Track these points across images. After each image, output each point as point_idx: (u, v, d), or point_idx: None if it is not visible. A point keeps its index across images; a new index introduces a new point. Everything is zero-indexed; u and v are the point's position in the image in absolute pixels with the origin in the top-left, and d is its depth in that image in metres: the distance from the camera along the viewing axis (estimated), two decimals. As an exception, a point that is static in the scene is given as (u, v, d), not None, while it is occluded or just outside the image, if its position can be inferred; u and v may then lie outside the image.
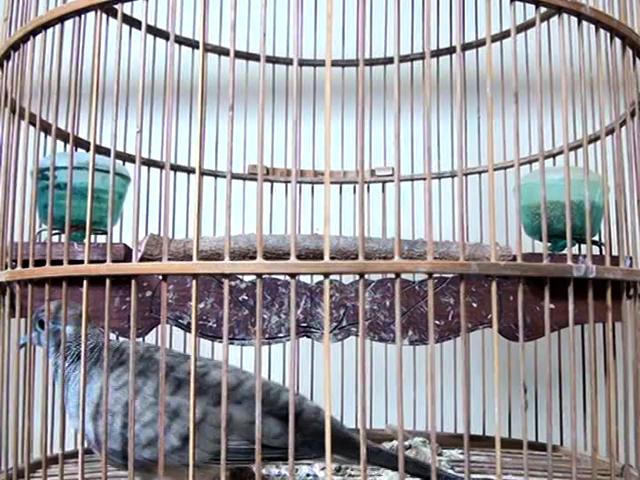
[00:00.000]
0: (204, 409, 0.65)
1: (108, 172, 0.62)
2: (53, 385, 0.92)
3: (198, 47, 0.58)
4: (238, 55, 1.10)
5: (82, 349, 0.61)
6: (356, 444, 0.57)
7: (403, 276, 0.57)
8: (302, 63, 1.16)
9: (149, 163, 1.07)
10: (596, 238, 0.92)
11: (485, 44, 0.60)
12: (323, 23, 0.57)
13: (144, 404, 0.66)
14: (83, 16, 0.65)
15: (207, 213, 1.09)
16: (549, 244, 0.89)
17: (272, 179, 1.14)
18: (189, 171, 1.11)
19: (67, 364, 0.70)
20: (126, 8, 0.64)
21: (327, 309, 0.54)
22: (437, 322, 0.87)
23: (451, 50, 1.14)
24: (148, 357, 0.69)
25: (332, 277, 0.68)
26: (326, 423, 0.52)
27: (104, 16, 0.65)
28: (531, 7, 0.63)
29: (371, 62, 1.17)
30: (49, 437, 0.88)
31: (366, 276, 0.56)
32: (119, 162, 1.01)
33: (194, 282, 0.56)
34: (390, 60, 1.16)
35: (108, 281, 0.59)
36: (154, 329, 0.87)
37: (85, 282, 0.59)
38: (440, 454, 0.91)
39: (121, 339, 0.81)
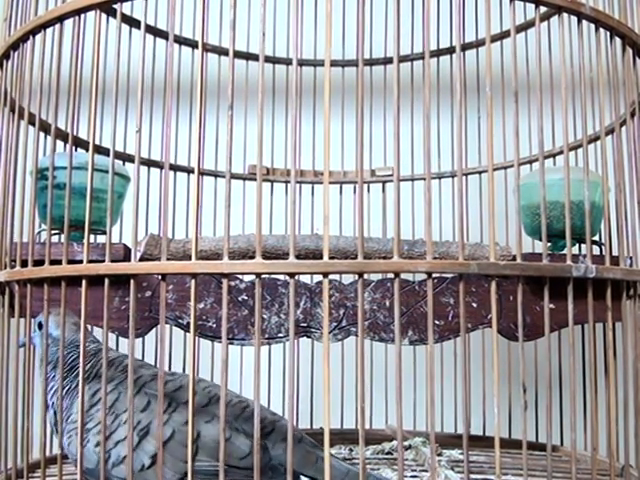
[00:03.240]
0: (173, 427, 0.63)
1: (107, 172, 0.62)
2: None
3: (198, 47, 0.58)
4: (238, 55, 1.10)
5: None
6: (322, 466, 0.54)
7: (403, 276, 0.57)
8: (302, 63, 1.16)
9: (149, 163, 1.07)
10: (596, 238, 0.92)
11: (485, 44, 0.60)
12: (323, 23, 0.57)
13: (117, 421, 0.64)
14: (82, 16, 0.65)
15: (207, 213, 1.09)
16: (549, 244, 0.89)
17: (272, 179, 1.14)
18: (189, 171, 1.11)
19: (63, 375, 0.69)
20: (126, 8, 0.64)
21: (326, 309, 0.54)
22: (437, 322, 0.87)
23: (451, 50, 1.14)
24: (123, 369, 0.68)
25: (332, 277, 0.68)
26: (325, 422, 0.52)
27: (103, 16, 0.65)
28: (531, 7, 0.63)
29: (371, 62, 1.17)
30: (48, 437, 0.88)
31: (366, 276, 0.56)
32: (119, 162, 1.01)
33: (193, 282, 0.56)
34: (390, 60, 1.16)
35: (107, 281, 0.59)
36: (153, 329, 0.87)
37: (84, 282, 0.59)
38: (440, 454, 0.91)
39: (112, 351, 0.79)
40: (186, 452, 0.54)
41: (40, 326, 0.72)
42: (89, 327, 0.79)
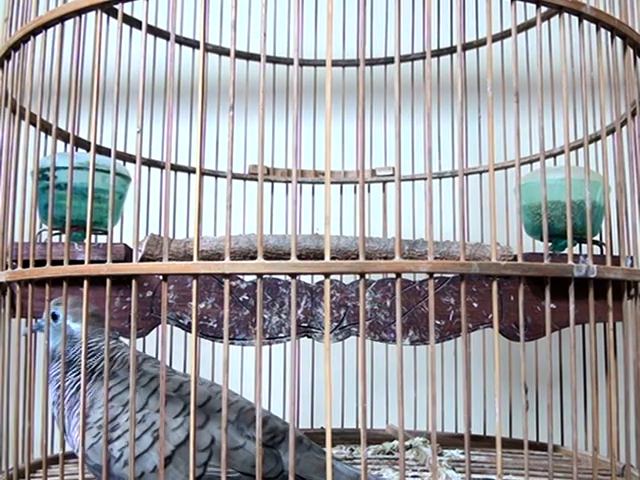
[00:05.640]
0: (188, 431, 0.62)
1: (108, 172, 0.62)
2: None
3: (199, 47, 0.58)
4: (239, 55, 1.10)
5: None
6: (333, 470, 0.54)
7: (404, 276, 0.57)
8: (303, 63, 1.16)
9: (150, 163, 1.07)
10: (597, 238, 0.92)
11: (486, 44, 0.60)
12: (324, 23, 0.57)
13: (130, 420, 0.63)
14: (83, 16, 0.65)
15: (208, 213, 1.09)
16: (550, 244, 0.89)
17: (273, 179, 1.14)
18: (190, 171, 1.11)
19: (68, 371, 0.68)
20: (126, 8, 0.64)
21: (327, 309, 0.54)
22: (438, 322, 0.87)
23: (452, 50, 1.14)
24: (138, 369, 0.67)
25: (333, 277, 0.68)
26: (327, 422, 0.52)
27: (104, 16, 0.65)
28: (532, 7, 0.63)
29: (372, 62, 1.17)
30: (49, 437, 0.88)
31: (367, 276, 0.56)
32: (119, 162, 1.01)
33: (194, 282, 0.56)
34: (391, 60, 1.16)
35: (108, 281, 0.59)
36: (154, 329, 0.87)
37: (85, 282, 0.59)
38: (441, 454, 0.91)
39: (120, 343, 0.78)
40: (200, 456, 0.54)
41: (54, 317, 0.70)
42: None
